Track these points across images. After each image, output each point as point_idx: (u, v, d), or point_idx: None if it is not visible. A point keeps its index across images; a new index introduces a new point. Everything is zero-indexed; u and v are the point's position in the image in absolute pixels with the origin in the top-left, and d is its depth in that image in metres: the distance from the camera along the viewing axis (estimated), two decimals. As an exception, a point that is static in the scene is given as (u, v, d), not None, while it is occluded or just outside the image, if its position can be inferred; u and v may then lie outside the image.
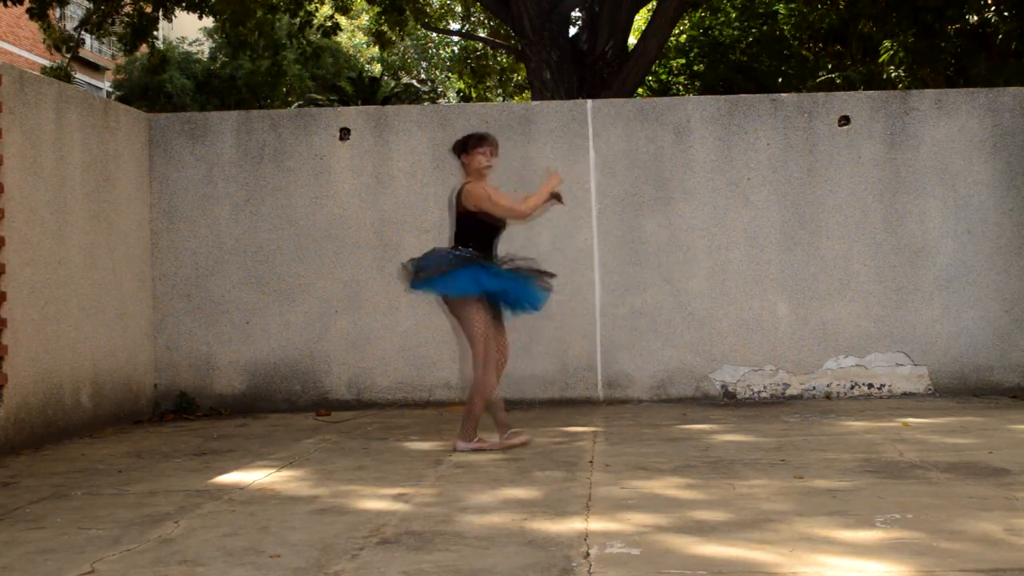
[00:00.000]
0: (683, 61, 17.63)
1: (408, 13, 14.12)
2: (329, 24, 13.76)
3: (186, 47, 27.21)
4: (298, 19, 13.37)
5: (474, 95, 21.18)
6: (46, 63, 21.41)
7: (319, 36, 14.11)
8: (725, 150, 7.50)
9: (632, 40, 14.40)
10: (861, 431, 5.72)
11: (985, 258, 7.40)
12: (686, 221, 7.48)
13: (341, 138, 7.57)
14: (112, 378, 6.78)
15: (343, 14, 13.99)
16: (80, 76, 27.04)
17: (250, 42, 13.62)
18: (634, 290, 7.45)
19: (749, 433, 5.75)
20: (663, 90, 17.52)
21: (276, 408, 7.43)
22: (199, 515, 3.94)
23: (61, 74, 13.97)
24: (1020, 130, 7.45)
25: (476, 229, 5.34)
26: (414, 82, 28.23)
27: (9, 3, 12.39)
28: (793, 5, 16.06)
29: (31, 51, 28.35)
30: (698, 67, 17.22)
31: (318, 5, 14.55)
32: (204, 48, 27.33)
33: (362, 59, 30.34)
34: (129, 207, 7.18)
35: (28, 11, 12.77)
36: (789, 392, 7.38)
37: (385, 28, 14.96)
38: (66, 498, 4.37)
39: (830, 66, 15.57)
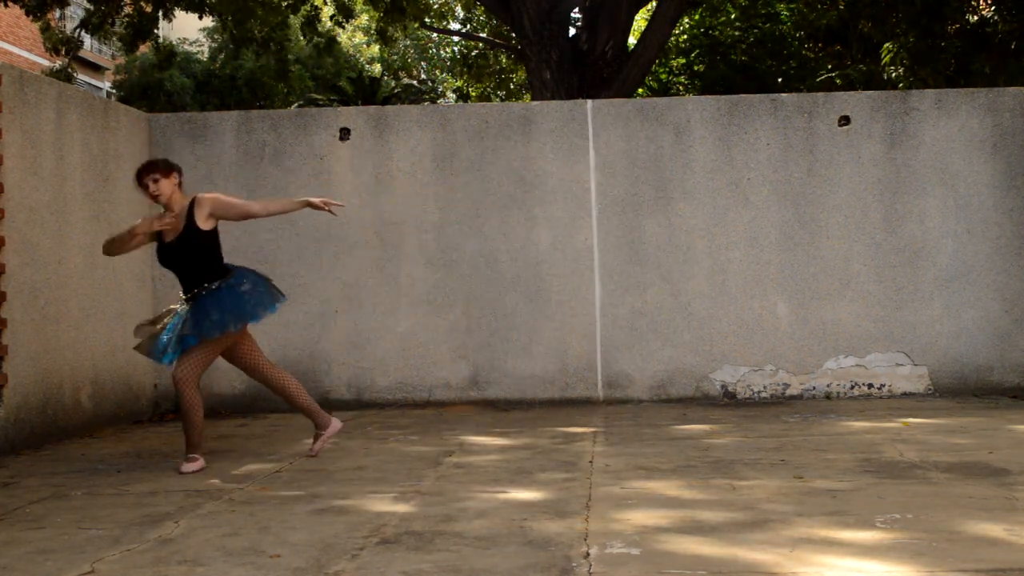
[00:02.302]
0: (683, 61, 17.63)
1: (409, 12, 14.12)
2: (340, 16, 13.76)
3: (186, 47, 27.19)
4: (301, 13, 13.37)
5: (473, 95, 21.17)
6: (46, 63, 21.43)
7: (332, 24, 14.08)
8: (725, 150, 7.50)
9: (632, 40, 14.40)
10: (861, 431, 5.72)
11: (985, 258, 7.40)
12: (686, 221, 7.48)
13: (341, 138, 7.57)
14: (112, 378, 6.78)
15: (346, 17, 13.99)
16: (80, 76, 27.03)
17: (256, 39, 13.62)
18: (634, 290, 7.45)
19: (749, 433, 5.75)
20: (663, 90, 17.53)
21: (276, 408, 7.42)
22: (199, 515, 3.94)
23: (63, 76, 13.97)
24: (1020, 130, 7.45)
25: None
26: (414, 82, 28.21)
27: (9, 3, 12.39)
28: (794, 5, 16.06)
29: (31, 51, 28.35)
30: (698, 67, 17.22)
31: (321, 4, 14.56)
32: (204, 48, 27.33)
33: (362, 59, 30.34)
34: (129, 207, 7.17)
35: (26, 10, 12.76)
36: (789, 392, 7.38)
37: (388, 26, 14.96)
38: (66, 498, 4.37)
39: (830, 66, 15.57)
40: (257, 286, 5.13)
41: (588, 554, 3.22)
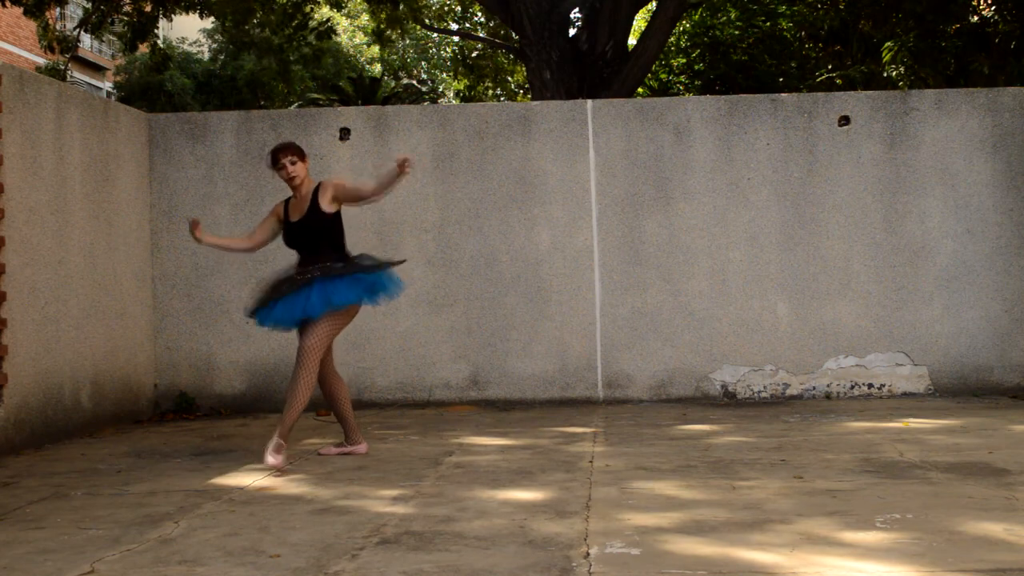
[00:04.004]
0: (683, 61, 17.62)
1: (403, 9, 14.12)
2: (323, 28, 13.76)
3: (186, 47, 27.21)
4: (295, 22, 13.36)
5: (472, 93, 21.18)
6: (48, 63, 21.44)
7: (315, 39, 14.07)
8: (725, 150, 7.50)
9: (632, 40, 14.40)
10: (861, 431, 5.72)
11: (985, 258, 7.40)
12: (686, 221, 7.48)
13: (341, 138, 7.57)
14: (112, 378, 6.78)
15: (338, 10, 13.99)
16: (80, 76, 27.05)
17: (254, 40, 13.62)
18: (634, 290, 7.45)
19: (749, 433, 5.75)
20: (663, 90, 17.52)
21: (276, 408, 7.42)
22: (199, 515, 3.94)
23: (56, 74, 13.97)
24: (1020, 130, 7.45)
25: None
26: (414, 82, 28.22)
27: (8, 3, 12.39)
28: (796, 7, 16.05)
29: (31, 51, 28.35)
30: (698, 67, 17.21)
31: (314, 6, 14.53)
32: (204, 48, 27.34)
33: (362, 59, 30.34)
34: (129, 207, 7.17)
35: (24, 9, 12.76)
36: (789, 392, 7.38)
37: (384, 26, 14.96)
38: (66, 498, 4.37)
39: (830, 66, 15.57)
40: (381, 269, 5.18)
41: (588, 554, 3.22)
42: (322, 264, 5.07)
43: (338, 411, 5.34)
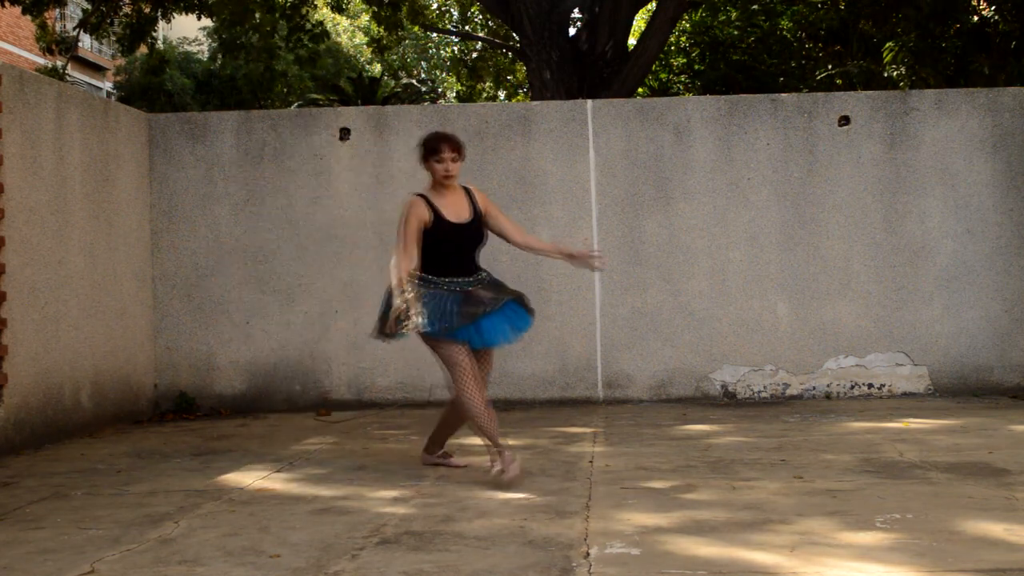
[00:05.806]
0: (683, 61, 17.63)
1: (404, 11, 14.11)
2: (318, 30, 13.75)
3: (186, 47, 27.22)
4: (292, 23, 13.36)
5: (472, 94, 21.18)
6: (46, 63, 21.46)
7: (309, 42, 14.03)
8: (725, 150, 7.50)
9: (632, 40, 14.40)
10: (861, 431, 5.72)
11: (985, 258, 7.40)
12: (686, 221, 7.48)
13: (341, 138, 7.57)
14: (112, 378, 6.78)
15: (339, 13, 13.99)
16: (80, 76, 27.06)
17: (245, 44, 13.62)
18: (634, 290, 7.45)
19: (749, 433, 5.75)
20: (663, 90, 17.52)
21: (276, 408, 7.43)
22: (199, 515, 3.94)
23: (55, 75, 13.98)
24: (1020, 130, 7.45)
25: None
26: (414, 82, 28.20)
27: (7, 3, 12.39)
28: (796, 7, 16.06)
29: (31, 51, 28.35)
30: (698, 67, 17.22)
31: (312, 8, 14.53)
32: (204, 48, 27.35)
33: (362, 59, 30.34)
34: (129, 207, 7.17)
35: (23, 9, 12.76)
36: (789, 392, 7.38)
37: (383, 36, 14.96)
38: (66, 498, 4.37)
39: (830, 66, 15.58)
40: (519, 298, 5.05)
41: (588, 554, 3.22)
42: (484, 275, 4.87)
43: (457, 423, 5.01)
